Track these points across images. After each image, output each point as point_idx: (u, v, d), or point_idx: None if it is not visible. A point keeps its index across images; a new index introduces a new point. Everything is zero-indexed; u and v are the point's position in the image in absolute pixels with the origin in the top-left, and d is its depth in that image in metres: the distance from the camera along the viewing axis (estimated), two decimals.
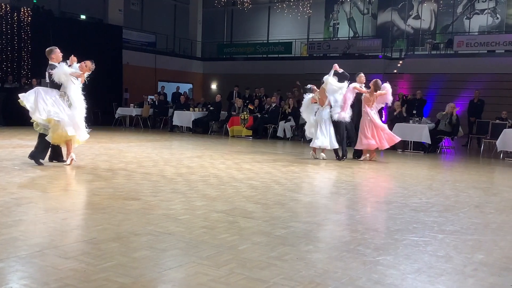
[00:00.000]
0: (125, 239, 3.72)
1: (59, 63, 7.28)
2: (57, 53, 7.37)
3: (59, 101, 7.19)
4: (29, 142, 10.40)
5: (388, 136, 10.11)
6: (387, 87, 10.08)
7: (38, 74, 17.35)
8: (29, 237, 3.64)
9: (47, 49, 7.42)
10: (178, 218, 4.45)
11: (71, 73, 7.23)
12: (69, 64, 7.41)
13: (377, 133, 9.89)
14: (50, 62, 7.34)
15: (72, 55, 7.53)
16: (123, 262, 3.18)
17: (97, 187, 5.75)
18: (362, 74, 10.13)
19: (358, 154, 10.23)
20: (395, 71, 21.25)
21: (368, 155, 10.02)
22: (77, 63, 7.47)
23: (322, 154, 9.80)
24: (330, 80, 9.49)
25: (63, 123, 7.06)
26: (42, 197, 5.06)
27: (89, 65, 7.50)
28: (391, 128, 12.90)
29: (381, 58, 21.76)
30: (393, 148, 13.07)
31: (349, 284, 2.97)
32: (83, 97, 7.51)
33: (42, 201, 4.86)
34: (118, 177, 6.52)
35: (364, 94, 9.88)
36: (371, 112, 9.85)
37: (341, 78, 9.57)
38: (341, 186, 6.70)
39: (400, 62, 21.62)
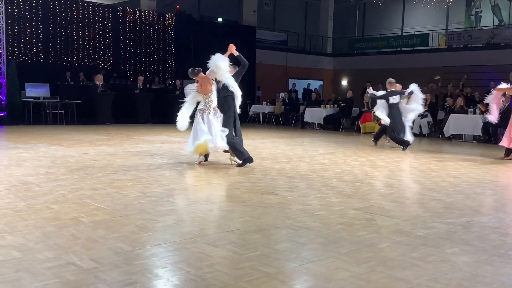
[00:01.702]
0: (266, 231, 3.89)
1: (196, 81, 7.49)
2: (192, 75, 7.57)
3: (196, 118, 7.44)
4: (175, 138, 11.30)
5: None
6: None
7: (181, 75, 18.75)
8: (181, 225, 3.99)
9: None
10: (315, 213, 4.53)
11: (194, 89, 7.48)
12: (227, 53, 7.51)
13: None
14: None
15: (231, 45, 7.50)
16: (266, 252, 3.34)
17: (237, 181, 6.07)
18: None
19: (507, 153, 9.41)
20: None
21: None
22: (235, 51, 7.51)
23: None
24: None
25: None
26: (190, 189, 5.49)
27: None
28: None
29: None
30: None
31: None
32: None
33: (190, 193, 5.28)
34: (255, 172, 6.81)
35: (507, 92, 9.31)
36: None
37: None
38: (487, 186, 6.25)
39: None
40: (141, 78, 16.60)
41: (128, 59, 18.22)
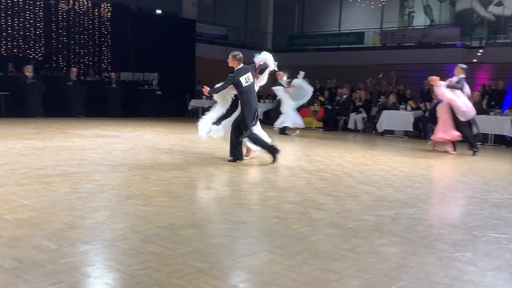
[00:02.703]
0: (201, 226, 3.86)
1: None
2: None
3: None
4: (110, 133, 10.98)
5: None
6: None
7: (117, 68, 18.25)
8: (112, 222, 3.86)
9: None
10: (250, 208, 4.54)
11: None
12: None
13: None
14: None
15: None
16: (200, 248, 3.31)
17: (174, 176, 5.98)
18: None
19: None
20: (474, 60, 20.24)
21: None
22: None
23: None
24: None
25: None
26: (123, 184, 5.33)
27: None
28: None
29: (459, 47, 20.80)
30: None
31: (425, 279, 2.91)
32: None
33: (124, 188, 5.13)
34: (193, 167, 6.74)
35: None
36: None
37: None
38: (416, 179, 6.52)
39: (480, 51, 20.54)
40: (74, 69, 15.97)
41: (61, 50, 17.46)
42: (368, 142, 11.95)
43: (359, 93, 15.73)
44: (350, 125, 15.19)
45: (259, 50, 27.60)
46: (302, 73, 12.43)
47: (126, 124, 13.65)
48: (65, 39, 17.50)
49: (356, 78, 18.30)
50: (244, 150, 7.53)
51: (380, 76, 17.52)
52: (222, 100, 7.60)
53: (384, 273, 2.98)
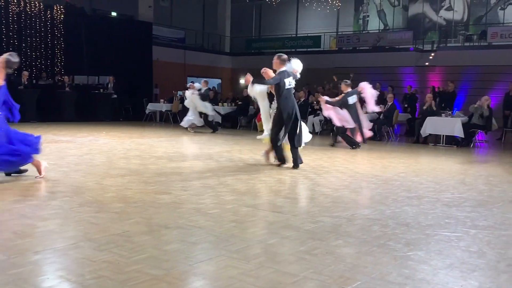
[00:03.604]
0: (157, 232, 3.79)
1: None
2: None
3: None
4: (63, 138, 10.68)
5: None
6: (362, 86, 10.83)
7: (71, 71, 17.79)
8: (64, 230, 3.75)
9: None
10: (208, 212, 4.50)
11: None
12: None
13: None
14: None
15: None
16: (155, 254, 3.25)
17: (129, 182, 5.87)
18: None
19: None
20: (426, 63, 20.89)
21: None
22: None
23: None
24: None
25: None
26: (76, 191, 5.19)
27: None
28: (422, 121, 12.73)
29: (412, 50, 21.42)
30: (425, 142, 12.87)
31: (379, 279, 2.95)
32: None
33: (77, 195, 4.99)
34: (150, 172, 6.63)
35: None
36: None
37: None
38: (371, 180, 6.65)
39: (432, 54, 21.24)
40: (25, 73, 15.45)
41: None
42: (325, 145, 12.10)
43: (316, 96, 15.91)
44: (308, 127, 15.33)
45: (217, 53, 27.48)
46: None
47: (81, 129, 13.32)
48: (16, 42, 16.93)
49: (313, 81, 18.54)
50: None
51: (334, 79, 17.83)
52: (263, 98, 7.66)
53: (339, 274, 3.01)
